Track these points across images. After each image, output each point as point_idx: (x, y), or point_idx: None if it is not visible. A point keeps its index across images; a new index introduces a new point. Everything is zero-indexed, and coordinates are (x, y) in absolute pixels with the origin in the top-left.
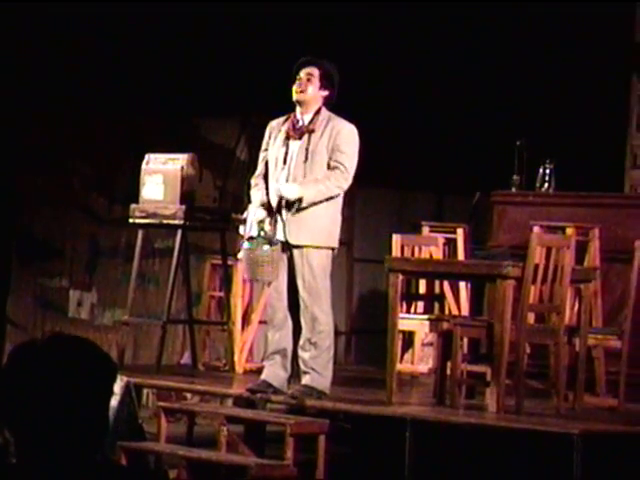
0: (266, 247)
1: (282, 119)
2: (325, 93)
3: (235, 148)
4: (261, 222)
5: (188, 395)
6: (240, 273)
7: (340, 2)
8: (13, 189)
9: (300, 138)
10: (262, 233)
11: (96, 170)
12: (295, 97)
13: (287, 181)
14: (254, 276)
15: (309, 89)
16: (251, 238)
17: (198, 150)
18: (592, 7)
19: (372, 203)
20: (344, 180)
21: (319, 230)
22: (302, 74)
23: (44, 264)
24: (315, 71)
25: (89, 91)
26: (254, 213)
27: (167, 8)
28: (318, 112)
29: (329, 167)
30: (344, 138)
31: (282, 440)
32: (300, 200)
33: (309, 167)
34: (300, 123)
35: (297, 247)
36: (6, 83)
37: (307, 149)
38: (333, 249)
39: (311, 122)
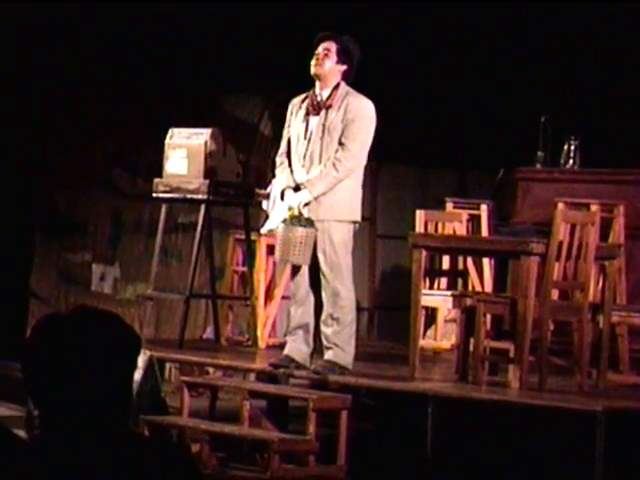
0: (300, 229)
1: (303, 96)
2: (343, 68)
3: (259, 123)
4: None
5: (210, 370)
6: (263, 248)
7: None
8: (36, 165)
9: (318, 114)
10: (296, 215)
11: (119, 145)
12: (312, 71)
13: (305, 157)
14: (286, 257)
15: (326, 64)
16: (285, 220)
17: (222, 125)
18: None
19: (395, 179)
20: (350, 160)
21: (339, 204)
22: (320, 49)
23: (67, 238)
24: (332, 46)
25: (112, 66)
26: (280, 192)
27: None
28: (337, 87)
29: (339, 143)
30: (357, 112)
31: (304, 415)
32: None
33: (326, 143)
34: (319, 99)
35: (318, 222)
36: (28, 62)
37: (324, 125)
38: (355, 223)
39: (329, 97)
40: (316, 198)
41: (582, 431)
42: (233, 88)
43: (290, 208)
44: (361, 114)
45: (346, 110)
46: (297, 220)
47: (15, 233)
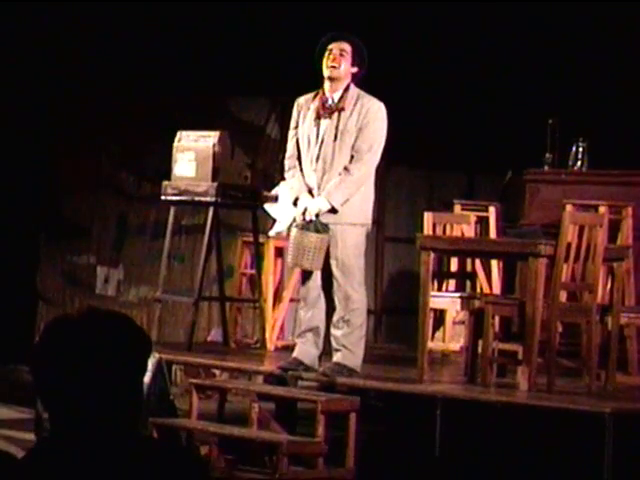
0: (314, 235)
1: (310, 96)
2: (354, 70)
3: (265, 126)
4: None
5: (217, 372)
6: (271, 250)
7: None
8: (41, 167)
9: (330, 117)
10: (312, 220)
11: (125, 148)
12: (327, 73)
13: (317, 161)
14: (298, 262)
15: (342, 65)
16: (298, 224)
17: (229, 128)
18: None
19: (403, 182)
20: (367, 162)
21: (351, 207)
22: (334, 49)
23: (72, 241)
24: (347, 47)
25: (118, 69)
26: (293, 197)
27: None
28: (347, 89)
29: (353, 148)
30: (372, 116)
31: (313, 417)
32: (333, 209)
33: (338, 146)
34: (330, 101)
35: (331, 225)
36: (37, 65)
37: (337, 128)
38: (367, 225)
39: (340, 100)
40: (334, 209)
41: (590, 433)
42: (240, 91)
43: (305, 213)
44: (376, 117)
45: (360, 113)
46: (312, 225)
47: (21, 235)
